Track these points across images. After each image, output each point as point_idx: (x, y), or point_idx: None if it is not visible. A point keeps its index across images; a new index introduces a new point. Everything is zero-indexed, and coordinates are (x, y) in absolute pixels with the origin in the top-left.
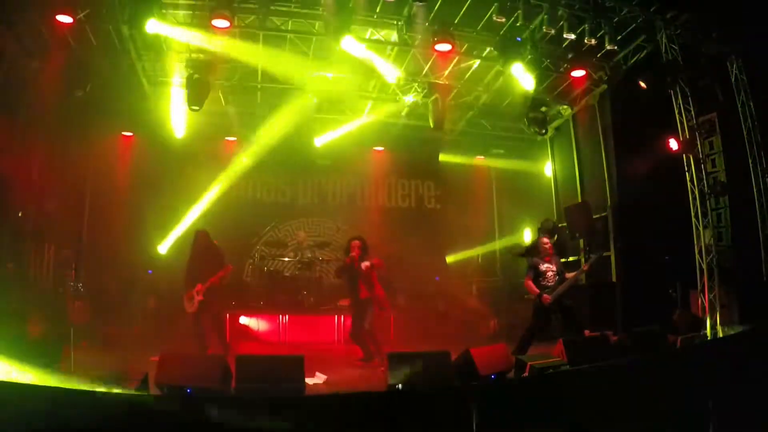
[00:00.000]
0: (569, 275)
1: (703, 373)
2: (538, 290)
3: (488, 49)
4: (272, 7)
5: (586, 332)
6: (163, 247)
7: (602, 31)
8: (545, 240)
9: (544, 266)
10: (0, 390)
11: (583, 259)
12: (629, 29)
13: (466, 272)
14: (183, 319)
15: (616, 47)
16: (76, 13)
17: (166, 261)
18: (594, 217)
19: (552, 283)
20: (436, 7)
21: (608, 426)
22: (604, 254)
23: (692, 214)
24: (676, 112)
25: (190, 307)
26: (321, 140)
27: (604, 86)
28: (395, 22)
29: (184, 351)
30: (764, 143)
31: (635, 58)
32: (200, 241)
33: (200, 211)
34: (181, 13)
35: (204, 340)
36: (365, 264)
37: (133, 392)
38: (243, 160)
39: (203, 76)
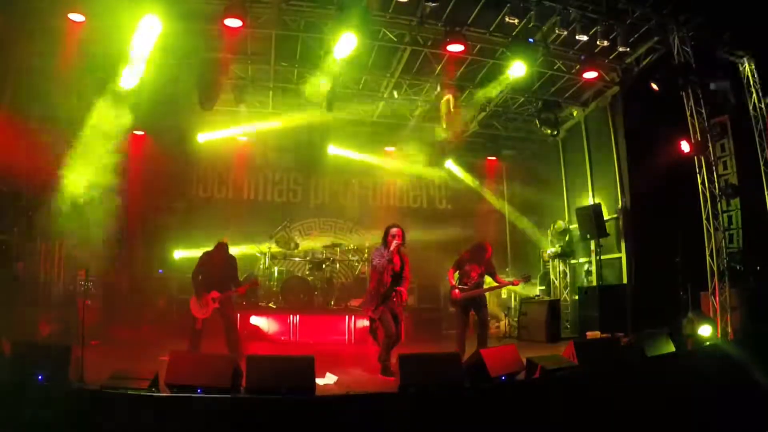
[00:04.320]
0: (494, 284)
1: (712, 374)
2: (453, 283)
3: (500, 50)
4: (285, 6)
5: (596, 333)
6: (178, 254)
7: (615, 33)
8: (486, 245)
9: (468, 266)
10: (8, 390)
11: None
12: (642, 31)
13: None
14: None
15: (628, 49)
16: (88, 12)
17: (176, 261)
18: (605, 218)
19: (469, 285)
20: (449, 8)
21: (617, 427)
22: (613, 257)
23: (703, 216)
24: (688, 114)
25: (203, 314)
26: (335, 150)
27: (616, 88)
28: (408, 22)
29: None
30: None
31: (647, 60)
32: (221, 251)
33: (209, 210)
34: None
35: (200, 344)
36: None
37: (143, 392)
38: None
39: (215, 76)
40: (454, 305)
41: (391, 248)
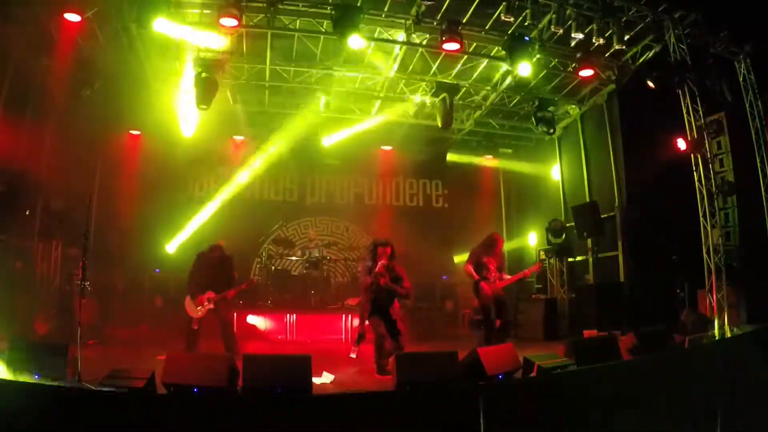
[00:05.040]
0: (508, 277)
1: (710, 372)
2: (478, 276)
3: (496, 48)
4: (280, 6)
5: (594, 332)
6: (171, 247)
7: (610, 31)
8: (497, 237)
9: (485, 259)
10: (4, 388)
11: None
12: (637, 29)
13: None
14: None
15: (624, 47)
16: (84, 12)
17: (173, 260)
18: (602, 216)
19: (492, 278)
20: (445, 6)
21: (615, 426)
22: (610, 254)
23: (700, 213)
24: (684, 111)
25: (197, 314)
26: (329, 140)
27: (612, 86)
28: (403, 21)
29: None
30: None
31: (643, 58)
32: (216, 254)
33: (208, 210)
34: (190, 11)
35: (196, 344)
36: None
37: (139, 391)
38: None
39: (211, 75)
40: (481, 299)
41: (376, 270)
